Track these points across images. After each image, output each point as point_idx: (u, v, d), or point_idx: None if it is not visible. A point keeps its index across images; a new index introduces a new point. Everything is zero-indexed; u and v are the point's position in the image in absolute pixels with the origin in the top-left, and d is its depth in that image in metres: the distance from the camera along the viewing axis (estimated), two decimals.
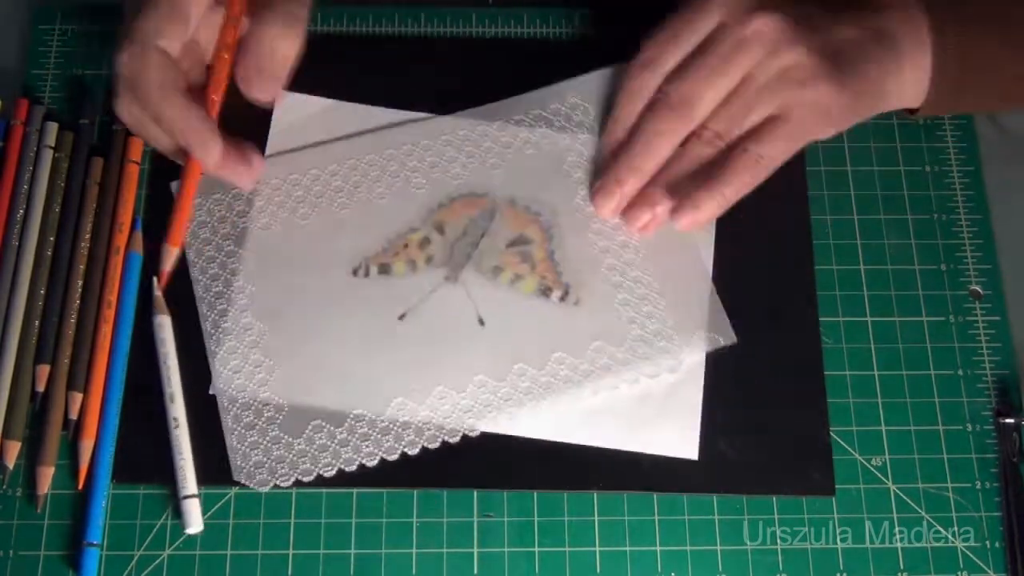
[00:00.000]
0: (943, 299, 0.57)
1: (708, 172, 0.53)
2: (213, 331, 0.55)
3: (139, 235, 0.57)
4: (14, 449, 0.53)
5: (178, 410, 0.53)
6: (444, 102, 0.60)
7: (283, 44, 0.53)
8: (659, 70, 0.54)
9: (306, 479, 0.52)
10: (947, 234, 0.59)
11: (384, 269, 0.56)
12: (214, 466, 0.52)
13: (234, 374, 0.54)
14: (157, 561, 0.52)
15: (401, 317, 0.55)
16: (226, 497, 0.53)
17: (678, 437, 0.53)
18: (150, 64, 0.51)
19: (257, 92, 0.54)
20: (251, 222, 0.57)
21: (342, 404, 0.53)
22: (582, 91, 0.59)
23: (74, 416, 0.53)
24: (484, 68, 0.61)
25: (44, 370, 0.54)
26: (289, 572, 0.52)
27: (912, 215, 0.59)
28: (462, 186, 0.57)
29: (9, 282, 0.55)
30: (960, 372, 0.56)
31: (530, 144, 0.58)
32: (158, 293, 0.55)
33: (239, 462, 0.52)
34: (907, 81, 0.53)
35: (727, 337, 0.54)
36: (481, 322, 0.55)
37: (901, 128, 0.61)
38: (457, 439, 0.53)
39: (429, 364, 0.54)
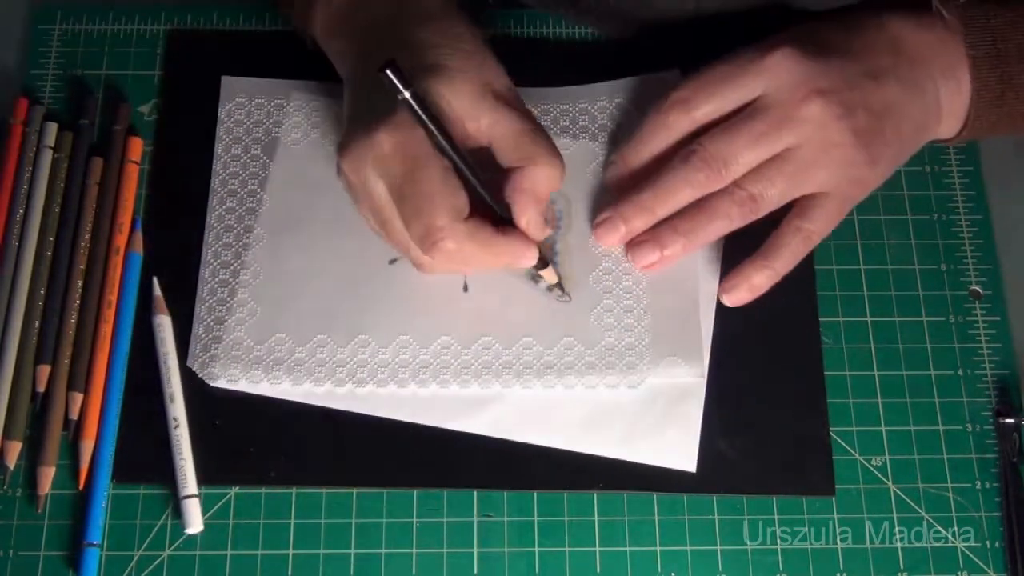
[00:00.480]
0: (943, 299, 0.57)
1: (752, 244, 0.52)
2: (215, 224, 0.57)
3: (139, 235, 0.57)
4: (15, 449, 0.53)
5: (178, 410, 0.53)
6: None
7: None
8: (692, 113, 0.52)
9: (253, 383, 0.53)
10: (947, 234, 0.59)
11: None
12: (214, 466, 0.53)
13: (221, 267, 0.56)
14: (157, 561, 0.52)
15: (392, 262, 0.55)
16: (226, 497, 0.53)
17: (677, 449, 0.53)
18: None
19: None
20: (283, 134, 0.58)
21: (309, 326, 0.54)
22: (612, 95, 0.59)
23: (74, 416, 0.53)
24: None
25: (44, 370, 0.54)
26: (289, 572, 0.52)
27: (912, 215, 0.59)
28: None
29: (9, 282, 0.55)
30: (960, 372, 0.56)
31: (565, 132, 0.58)
32: (158, 293, 0.55)
33: (197, 351, 0.54)
34: (943, 125, 0.54)
35: (697, 373, 0.54)
36: (465, 288, 0.55)
37: (933, 144, 0.60)
38: (406, 390, 0.53)
39: (402, 313, 0.55)
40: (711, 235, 0.52)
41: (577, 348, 0.54)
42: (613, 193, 0.55)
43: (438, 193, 0.48)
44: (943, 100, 0.53)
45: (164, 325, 0.55)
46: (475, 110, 0.49)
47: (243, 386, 0.54)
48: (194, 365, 0.54)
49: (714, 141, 0.51)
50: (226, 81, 0.60)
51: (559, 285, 0.55)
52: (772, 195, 0.51)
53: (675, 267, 0.55)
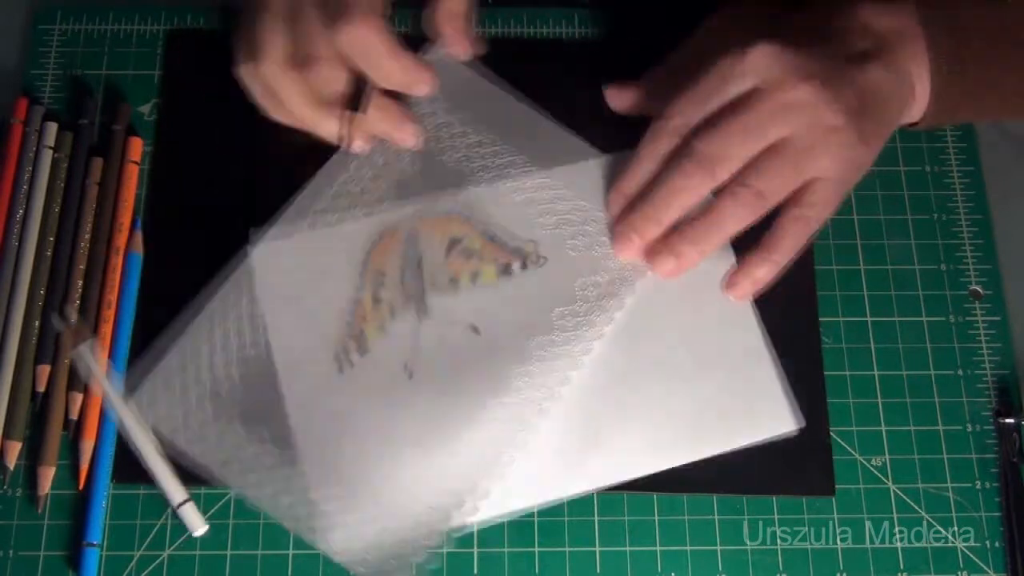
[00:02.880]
0: (943, 299, 0.57)
1: (754, 237, 0.52)
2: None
3: (139, 235, 0.57)
4: (15, 449, 0.53)
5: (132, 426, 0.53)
6: None
7: None
8: (684, 132, 0.52)
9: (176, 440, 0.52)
10: (947, 234, 0.59)
11: (362, 347, 0.54)
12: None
13: (220, 360, 0.54)
14: (157, 561, 0.52)
15: (410, 376, 0.53)
16: (226, 497, 0.53)
17: (768, 414, 0.53)
18: None
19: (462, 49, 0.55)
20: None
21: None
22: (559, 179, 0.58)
23: (74, 416, 0.53)
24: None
25: (44, 370, 0.54)
26: (289, 572, 0.52)
27: (912, 215, 0.59)
28: (373, 226, 0.56)
29: (9, 282, 0.55)
30: (960, 372, 0.56)
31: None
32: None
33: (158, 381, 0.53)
34: (916, 103, 0.54)
35: (792, 423, 0.53)
36: (477, 331, 0.54)
37: (901, 129, 0.60)
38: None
39: (445, 400, 0.53)
40: (723, 236, 0.52)
41: (593, 279, 0.54)
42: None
43: None
44: (915, 80, 0.53)
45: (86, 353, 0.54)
46: None
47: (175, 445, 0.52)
48: (134, 388, 0.53)
49: (703, 141, 0.51)
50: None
51: (524, 257, 0.55)
52: (776, 187, 0.51)
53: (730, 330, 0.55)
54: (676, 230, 0.53)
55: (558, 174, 0.57)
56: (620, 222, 0.54)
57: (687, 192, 0.51)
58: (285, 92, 0.53)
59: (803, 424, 0.53)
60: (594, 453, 0.52)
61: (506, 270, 0.55)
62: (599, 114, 0.58)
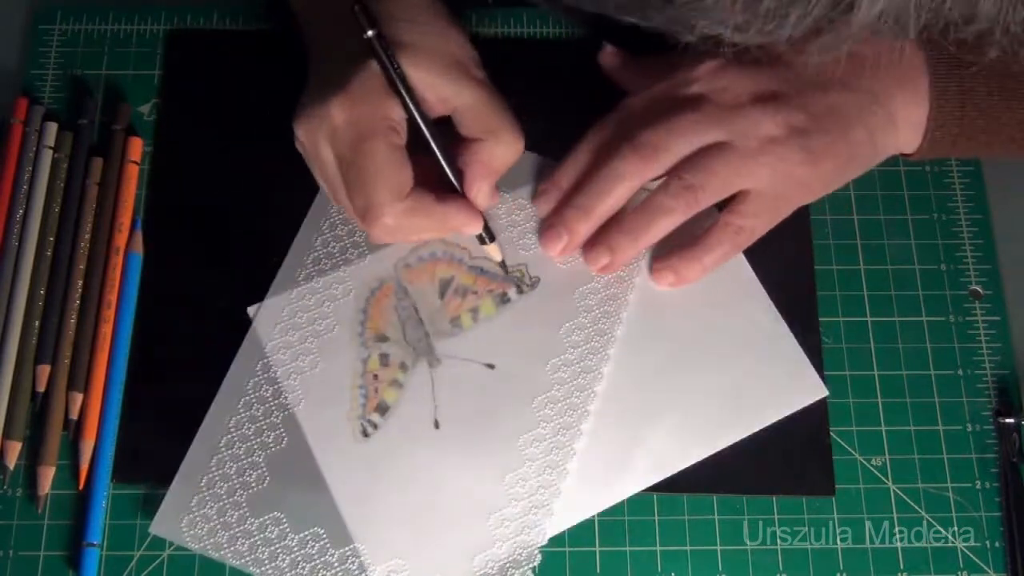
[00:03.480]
0: (943, 299, 0.57)
1: (684, 235, 0.53)
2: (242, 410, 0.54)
3: (139, 235, 0.57)
4: (15, 449, 0.53)
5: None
6: None
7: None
8: (627, 125, 0.52)
9: (215, 554, 0.51)
10: (947, 234, 0.59)
11: (383, 410, 0.54)
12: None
13: (238, 440, 0.53)
14: (157, 561, 0.52)
15: (436, 426, 0.53)
16: None
17: (796, 386, 0.54)
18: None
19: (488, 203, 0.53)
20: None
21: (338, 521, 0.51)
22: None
23: (74, 416, 0.53)
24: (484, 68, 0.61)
25: (44, 370, 0.54)
26: None
27: (912, 215, 0.59)
28: (361, 289, 0.56)
29: (9, 282, 0.55)
30: (960, 372, 0.56)
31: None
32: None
33: (187, 500, 0.51)
34: (901, 134, 0.53)
35: (818, 392, 0.54)
36: (490, 366, 0.54)
37: (902, 159, 0.60)
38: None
39: (478, 443, 0.52)
40: (658, 231, 0.52)
41: (590, 284, 0.55)
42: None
43: (381, 169, 0.49)
44: (899, 109, 0.52)
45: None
46: (436, 80, 0.50)
47: (207, 549, 0.51)
48: (164, 523, 0.51)
49: (644, 129, 0.51)
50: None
51: (518, 282, 0.54)
52: (711, 185, 0.51)
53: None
54: (611, 222, 0.53)
55: (526, 192, 0.57)
56: (552, 215, 0.54)
57: (621, 179, 0.51)
58: (402, 237, 0.53)
59: (827, 393, 0.54)
60: (639, 453, 0.52)
61: (503, 299, 0.55)
62: (597, 114, 0.58)
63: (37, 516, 0.52)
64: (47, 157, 0.58)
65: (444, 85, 0.50)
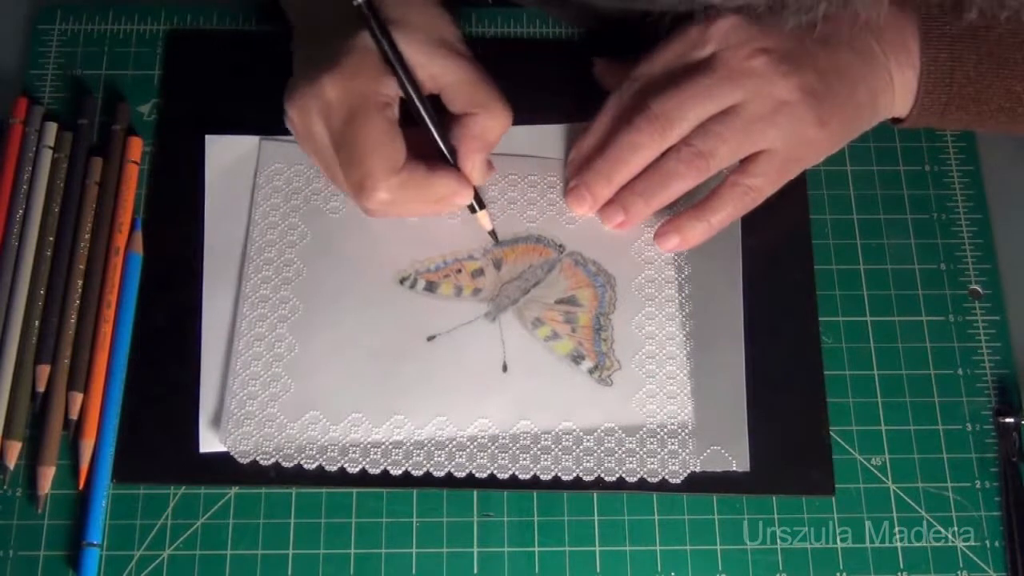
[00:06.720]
0: (943, 299, 0.57)
1: (691, 198, 0.53)
2: (251, 294, 0.55)
3: (139, 235, 0.57)
4: (15, 449, 0.53)
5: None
6: None
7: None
8: (646, 94, 0.53)
9: (286, 464, 0.52)
10: (947, 234, 0.59)
11: (431, 287, 0.55)
12: (217, 465, 0.53)
13: (255, 340, 0.54)
14: (157, 561, 0.52)
15: (430, 339, 0.54)
16: (226, 497, 0.53)
17: (729, 441, 0.53)
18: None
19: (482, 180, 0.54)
20: (323, 202, 0.57)
21: (345, 404, 0.53)
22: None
23: (74, 416, 0.53)
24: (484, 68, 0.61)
25: (44, 370, 0.54)
26: (289, 572, 0.52)
27: (912, 215, 0.59)
28: (533, 230, 0.57)
29: (9, 282, 0.55)
30: (960, 372, 0.56)
31: None
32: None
33: (230, 427, 0.53)
34: (897, 95, 0.54)
35: (741, 464, 0.52)
36: (505, 368, 0.54)
37: (892, 125, 0.60)
38: (443, 473, 0.52)
39: (439, 393, 0.53)
40: (669, 194, 0.53)
41: (618, 434, 0.53)
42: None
43: (374, 144, 0.50)
44: (893, 70, 0.53)
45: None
46: (426, 58, 0.51)
47: (273, 462, 0.52)
48: (226, 441, 0.52)
49: (658, 99, 0.52)
50: (265, 145, 0.58)
51: (599, 366, 0.54)
52: (721, 151, 0.51)
53: (721, 351, 0.54)
54: (627, 185, 0.54)
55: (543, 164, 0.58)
56: (575, 178, 0.55)
57: (638, 149, 0.52)
58: (396, 212, 0.54)
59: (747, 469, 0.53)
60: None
61: (576, 359, 0.55)
62: (597, 114, 0.58)
63: (37, 516, 0.52)
64: (47, 157, 0.58)
65: (434, 63, 0.51)
